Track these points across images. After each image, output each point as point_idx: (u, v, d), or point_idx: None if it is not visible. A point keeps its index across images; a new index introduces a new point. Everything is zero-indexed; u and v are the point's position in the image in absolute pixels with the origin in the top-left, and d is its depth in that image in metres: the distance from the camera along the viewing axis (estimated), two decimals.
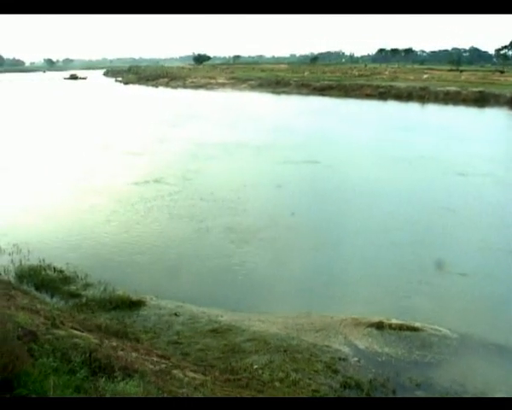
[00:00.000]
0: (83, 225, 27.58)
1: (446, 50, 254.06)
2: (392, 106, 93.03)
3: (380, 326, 16.97)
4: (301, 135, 58.86)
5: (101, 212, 29.77)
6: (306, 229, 27.38)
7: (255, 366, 14.25)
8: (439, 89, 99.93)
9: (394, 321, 17.31)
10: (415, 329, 16.90)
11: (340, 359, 15.15)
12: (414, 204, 31.66)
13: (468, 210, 30.32)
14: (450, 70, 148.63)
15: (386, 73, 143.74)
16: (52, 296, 19.64)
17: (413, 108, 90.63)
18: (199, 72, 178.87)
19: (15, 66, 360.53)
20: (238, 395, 11.39)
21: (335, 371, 14.38)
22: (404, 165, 42.68)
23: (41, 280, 20.63)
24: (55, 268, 21.83)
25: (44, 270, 21.64)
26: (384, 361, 15.23)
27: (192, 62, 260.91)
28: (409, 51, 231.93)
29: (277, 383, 13.33)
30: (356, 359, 15.22)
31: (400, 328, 16.87)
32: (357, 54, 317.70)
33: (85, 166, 42.78)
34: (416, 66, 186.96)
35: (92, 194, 33.50)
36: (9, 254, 23.45)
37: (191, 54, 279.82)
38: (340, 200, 32.73)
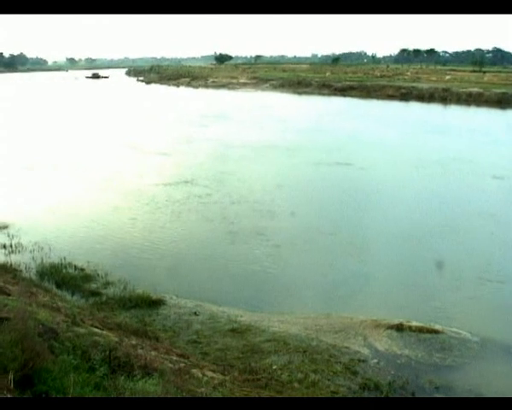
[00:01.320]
0: (106, 225, 27.70)
1: (469, 51, 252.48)
2: (415, 107, 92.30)
3: (399, 328, 16.87)
4: (329, 136, 58.43)
5: (126, 212, 29.79)
6: (340, 233, 26.85)
7: (274, 367, 14.22)
8: (461, 90, 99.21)
9: (414, 323, 17.19)
10: (435, 331, 16.77)
11: (359, 360, 15.07)
12: (453, 209, 31.01)
13: (509, 215, 29.86)
14: (473, 71, 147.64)
15: (408, 73, 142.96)
16: (73, 294, 19.75)
17: (437, 109, 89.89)
18: (220, 71, 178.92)
19: (38, 65, 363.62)
20: (256, 396, 11.37)
21: (354, 373, 14.31)
22: (438, 168, 41.73)
23: (62, 278, 20.76)
24: (75, 266, 21.96)
25: (65, 268, 21.78)
26: (403, 363, 15.13)
27: (214, 62, 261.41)
28: (431, 52, 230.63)
29: (296, 384, 13.29)
30: (375, 360, 15.14)
31: (420, 330, 16.75)
32: (380, 54, 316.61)
33: (113, 166, 42.80)
34: (439, 67, 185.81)
35: (119, 194, 33.54)
36: (31, 252, 23.63)
37: (213, 53, 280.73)
38: (376, 204, 32.21)
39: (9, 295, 13.87)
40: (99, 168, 41.60)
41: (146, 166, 42.65)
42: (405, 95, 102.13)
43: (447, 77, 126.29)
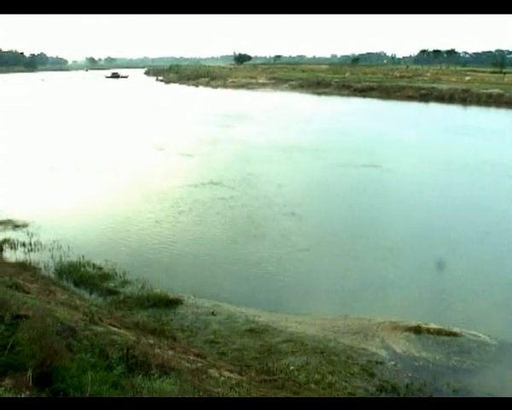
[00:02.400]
0: (126, 225, 27.75)
1: (490, 52, 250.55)
2: (436, 108, 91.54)
3: (418, 330, 16.78)
4: (354, 137, 57.86)
5: (147, 213, 29.76)
6: (365, 237, 26.37)
7: (291, 368, 14.20)
8: (481, 91, 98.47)
9: (432, 326, 17.09)
10: (453, 334, 16.66)
11: (376, 362, 15.00)
12: (489, 214, 30.29)
13: None
14: (493, 72, 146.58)
15: (428, 74, 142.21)
16: (91, 293, 19.84)
17: (457, 110, 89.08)
18: (239, 71, 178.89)
19: (58, 64, 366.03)
20: (273, 396, 11.35)
21: (372, 375, 14.25)
22: (469, 171, 40.93)
23: (80, 276, 20.87)
24: (94, 265, 22.07)
25: (84, 266, 21.89)
26: (421, 366, 15.03)
27: (233, 62, 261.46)
28: (451, 53, 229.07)
29: (313, 385, 13.25)
30: (393, 362, 15.06)
31: (438, 333, 16.65)
32: (399, 55, 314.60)
33: (136, 166, 42.69)
34: (459, 67, 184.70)
35: (141, 195, 33.48)
36: (50, 250, 23.78)
37: (232, 53, 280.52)
38: (405, 207, 31.76)
39: (28, 292, 13.96)
40: (122, 169, 41.54)
41: (170, 166, 42.59)
42: (425, 96, 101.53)
43: (467, 78, 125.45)
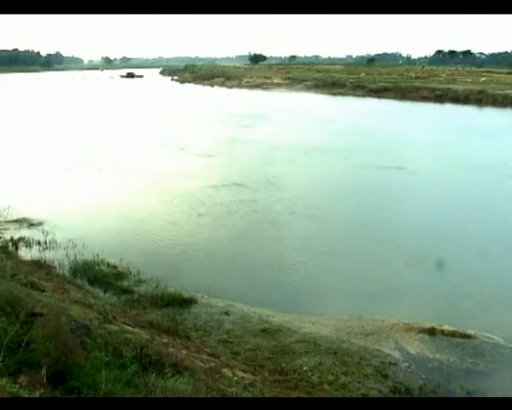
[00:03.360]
0: (142, 225, 27.75)
1: (506, 53, 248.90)
2: (452, 109, 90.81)
3: (432, 332, 16.71)
4: (374, 138, 57.22)
5: (164, 213, 29.69)
6: (385, 240, 25.82)
7: (305, 368, 14.18)
8: (497, 92, 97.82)
9: (446, 327, 17.02)
10: (467, 336, 16.57)
11: (390, 363, 14.95)
12: None
13: None
14: (509, 73, 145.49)
15: (444, 75, 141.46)
16: (105, 291, 19.91)
17: (474, 111, 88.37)
18: (254, 72, 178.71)
19: (74, 63, 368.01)
20: (286, 396, 11.34)
21: (385, 376, 14.21)
22: (495, 173, 39.94)
23: (94, 275, 20.94)
24: (108, 263, 22.14)
25: (98, 265, 21.96)
26: (435, 368, 14.97)
27: (248, 62, 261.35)
28: (467, 53, 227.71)
29: (326, 386, 13.24)
30: (406, 364, 15.00)
31: (452, 335, 16.58)
32: (415, 55, 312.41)
33: (155, 166, 42.38)
34: (474, 68, 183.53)
35: (160, 195, 33.34)
36: (64, 249, 23.88)
37: (247, 53, 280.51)
38: (429, 209, 31.09)
39: (43, 291, 14.03)
40: (141, 169, 41.31)
41: (190, 167, 42.19)
42: (440, 96, 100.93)
43: (482, 79, 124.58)
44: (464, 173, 40.49)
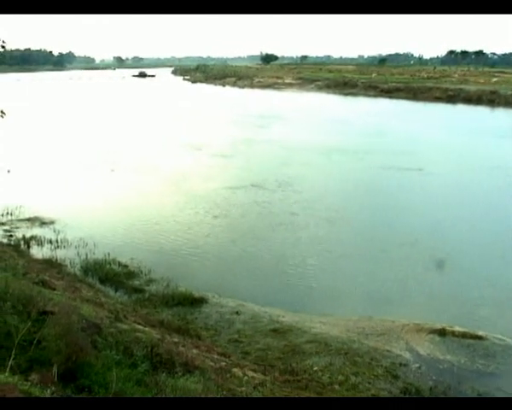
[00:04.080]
0: (156, 225, 27.76)
1: None
2: (464, 109, 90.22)
3: (442, 333, 16.66)
4: (390, 139, 56.93)
5: (181, 215, 29.47)
6: (403, 243, 25.41)
7: (315, 368, 14.16)
8: (509, 93, 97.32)
9: (457, 328, 16.96)
10: (478, 337, 16.51)
11: (400, 364, 14.91)
12: None
13: None
14: None
15: (456, 75, 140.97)
16: (116, 290, 19.96)
17: (486, 111, 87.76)
18: (266, 71, 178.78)
19: (86, 63, 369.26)
20: (296, 396, 11.33)
21: (395, 377, 14.17)
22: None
23: (105, 274, 21.00)
24: (119, 262, 22.20)
25: (109, 264, 22.02)
26: (446, 369, 14.91)
27: (259, 62, 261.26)
28: (479, 53, 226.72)
29: (337, 386, 13.22)
30: (417, 365, 14.96)
31: (463, 336, 16.52)
32: (427, 55, 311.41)
33: (173, 167, 42.22)
34: (487, 69, 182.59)
35: (177, 197, 33.15)
36: (76, 248, 23.96)
37: (259, 53, 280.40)
38: (450, 212, 30.71)
39: (54, 289, 14.09)
40: (156, 168, 41.19)
41: (206, 167, 41.97)
42: (452, 97, 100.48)
43: (495, 79, 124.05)
44: (482, 175, 39.94)
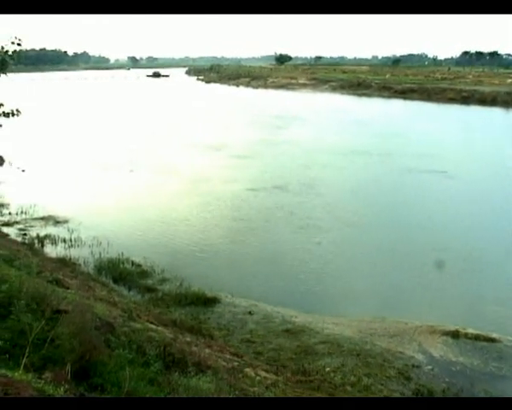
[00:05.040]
0: (171, 226, 27.67)
1: None
2: (480, 110, 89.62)
3: (455, 335, 16.58)
4: (411, 140, 55.88)
5: (198, 217, 29.31)
6: (421, 251, 24.69)
7: (327, 369, 14.14)
8: None
9: (470, 331, 16.88)
10: (491, 339, 16.41)
11: (413, 366, 14.86)
12: None
13: None
14: None
15: (470, 76, 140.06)
16: (129, 289, 20.03)
17: (502, 112, 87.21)
18: (280, 72, 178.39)
19: (100, 63, 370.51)
20: (308, 396, 11.32)
21: (408, 379, 14.12)
22: None
23: (119, 273, 21.07)
24: (133, 262, 22.26)
25: (122, 263, 22.09)
26: (458, 371, 14.84)
27: (273, 62, 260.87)
28: (494, 54, 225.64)
29: (349, 387, 13.19)
30: (429, 367, 14.90)
31: (476, 338, 16.42)
32: (441, 56, 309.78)
33: (195, 168, 41.81)
34: (502, 70, 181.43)
35: (196, 198, 32.90)
36: (89, 247, 24.06)
37: (273, 54, 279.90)
38: (474, 214, 30.29)
39: (68, 288, 14.14)
40: (174, 169, 40.96)
41: (226, 168, 41.58)
42: (466, 98, 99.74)
43: (509, 80, 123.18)
44: (508, 179, 39.14)
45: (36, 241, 24.21)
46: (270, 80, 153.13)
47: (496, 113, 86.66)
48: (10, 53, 11.20)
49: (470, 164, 44.44)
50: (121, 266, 21.83)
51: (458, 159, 46.17)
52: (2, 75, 11.34)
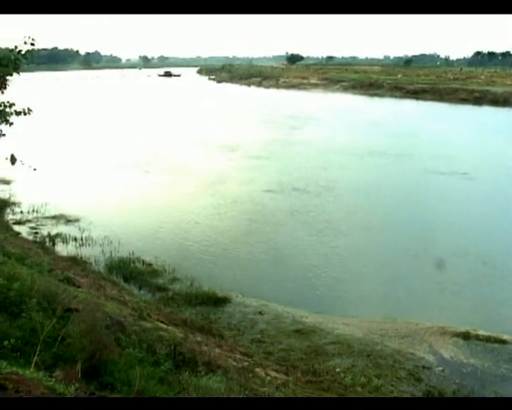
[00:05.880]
0: (183, 226, 27.65)
1: None
2: (493, 111, 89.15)
3: (466, 336, 16.52)
4: (428, 141, 55.41)
5: (214, 219, 29.03)
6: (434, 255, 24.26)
7: (338, 369, 14.12)
8: None
9: (481, 332, 16.81)
10: (502, 341, 16.35)
11: (423, 367, 14.82)
12: None
13: None
14: None
15: (482, 77, 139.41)
16: (140, 289, 20.06)
17: None
18: (291, 72, 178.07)
19: (112, 62, 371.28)
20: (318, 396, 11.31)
21: (418, 380, 14.08)
22: None
23: (130, 272, 21.12)
24: (143, 261, 22.30)
25: (133, 262, 22.14)
26: (469, 373, 14.79)
27: (285, 62, 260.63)
28: (506, 55, 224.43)
29: (359, 388, 13.17)
30: (440, 368, 14.85)
31: (487, 339, 16.36)
32: (453, 57, 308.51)
33: (210, 168, 41.42)
34: None
35: (213, 200, 32.57)
36: (100, 246, 24.12)
37: (284, 53, 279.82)
38: (493, 218, 29.92)
39: (79, 287, 14.19)
40: (189, 169, 40.70)
41: (241, 169, 41.28)
42: (478, 99, 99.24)
43: None
44: None
45: (47, 239, 24.31)
46: (282, 80, 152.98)
47: (509, 113, 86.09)
48: (23, 53, 11.24)
49: (488, 165, 43.81)
50: (132, 265, 21.88)
51: (475, 160, 45.50)
52: (15, 74, 11.39)
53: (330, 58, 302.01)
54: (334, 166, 42.23)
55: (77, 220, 27.47)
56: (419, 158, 45.66)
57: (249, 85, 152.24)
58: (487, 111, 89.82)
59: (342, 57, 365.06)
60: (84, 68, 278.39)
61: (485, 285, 21.22)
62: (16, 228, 25.74)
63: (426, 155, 46.61)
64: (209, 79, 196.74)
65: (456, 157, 45.99)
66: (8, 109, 10.98)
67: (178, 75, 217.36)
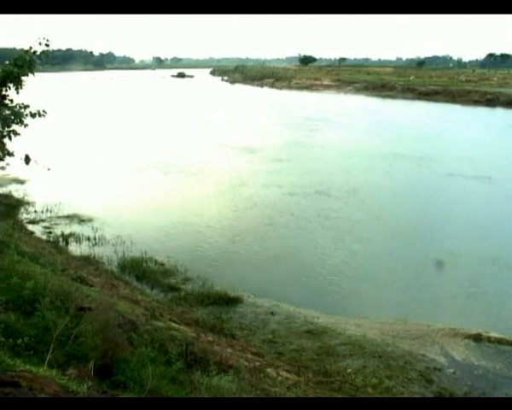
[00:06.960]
0: (198, 228, 27.61)
1: None
2: (509, 113, 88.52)
3: (478, 338, 16.48)
4: (449, 144, 54.91)
5: (230, 221, 28.98)
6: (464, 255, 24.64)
7: (349, 370, 14.12)
8: None
9: (493, 334, 16.77)
10: None
11: (435, 369, 14.78)
12: None
13: None
14: None
15: (495, 79, 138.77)
16: (152, 288, 20.12)
17: None
18: (304, 73, 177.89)
19: (125, 63, 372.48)
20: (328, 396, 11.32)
21: (430, 381, 14.05)
22: None
23: (142, 272, 21.19)
24: (156, 261, 22.38)
25: (146, 262, 22.21)
26: (480, 375, 14.74)
27: (298, 63, 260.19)
28: None
29: (370, 389, 13.15)
30: (451, 370, 14.82)
31: (499, 341, 16.33)
32: (466, 58, 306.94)
33: (231, 170, 41.24)
34: None
35: (231, 202, 32.53)
36: (113, 245, 24.22)
37: (297, 55, 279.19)
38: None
39: (92, 286, 14.27)
40: (208, 171, 40.61)
41: (262, 171, 40.87)
42: (491, 100, 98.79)
43: None
44: None
45: (60, 239, 24.43)
46: (294, 81, 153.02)
47: None
48: (38, 53, 11.33)
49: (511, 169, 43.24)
50: (144, 264, 21.95)
51: (498, 163, 44.90)
52: (30, 75, 11.48)
53: (343, 60, 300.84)
54: (356, 170, 41.85)
55: (90, 220, 27.60)
56: (442, 161, 45.23)
57: (262, 86, 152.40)
58: (501, 113, 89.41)
59: (355, 59, 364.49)
60: (98, 69, 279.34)
61: (498, 288, 21.18)
62: (30, 227, 25.87)
63: (449, 158, 46.37)
64: (222, 79, 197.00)
65: (479, 160, 45.62)
66: (22, 110, 11.07)
67: (192, 76, 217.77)
